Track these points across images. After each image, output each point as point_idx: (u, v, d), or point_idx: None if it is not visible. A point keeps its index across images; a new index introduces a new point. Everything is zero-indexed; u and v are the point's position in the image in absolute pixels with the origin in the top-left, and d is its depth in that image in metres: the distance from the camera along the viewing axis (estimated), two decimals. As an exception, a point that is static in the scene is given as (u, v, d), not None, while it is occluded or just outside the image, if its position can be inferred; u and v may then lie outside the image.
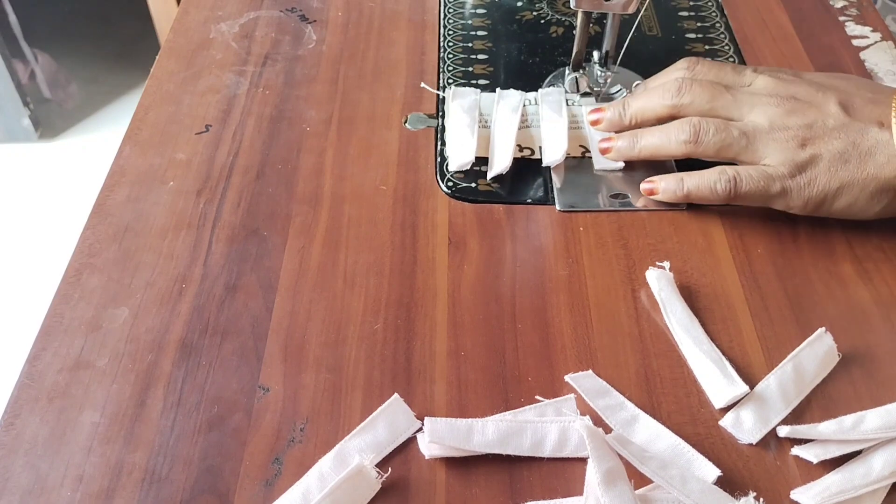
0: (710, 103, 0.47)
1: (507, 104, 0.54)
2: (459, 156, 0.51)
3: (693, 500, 0.34)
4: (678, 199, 0.47)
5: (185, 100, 0.56)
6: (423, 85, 0.57)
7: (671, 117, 0.48)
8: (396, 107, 0.56)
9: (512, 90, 0.55)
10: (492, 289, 0.44)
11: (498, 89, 0.55)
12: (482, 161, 0.51)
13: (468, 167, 0.50)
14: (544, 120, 0.53)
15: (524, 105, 0.54)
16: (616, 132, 0.51)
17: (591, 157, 0.52)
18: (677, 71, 0.50)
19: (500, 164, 0.50)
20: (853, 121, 0.45)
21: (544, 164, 0.50)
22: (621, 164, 0.51)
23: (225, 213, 0.48)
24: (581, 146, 0.52)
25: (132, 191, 0.50)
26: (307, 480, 0.36)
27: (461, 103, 0.54)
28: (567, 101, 0.54)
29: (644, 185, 0.49)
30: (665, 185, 0.48)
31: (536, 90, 0.56)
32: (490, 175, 0.50)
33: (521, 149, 0.52)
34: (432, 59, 0.60)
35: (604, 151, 0.51)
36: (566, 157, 0.51)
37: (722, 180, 0.45)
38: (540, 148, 0.52)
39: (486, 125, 0.53)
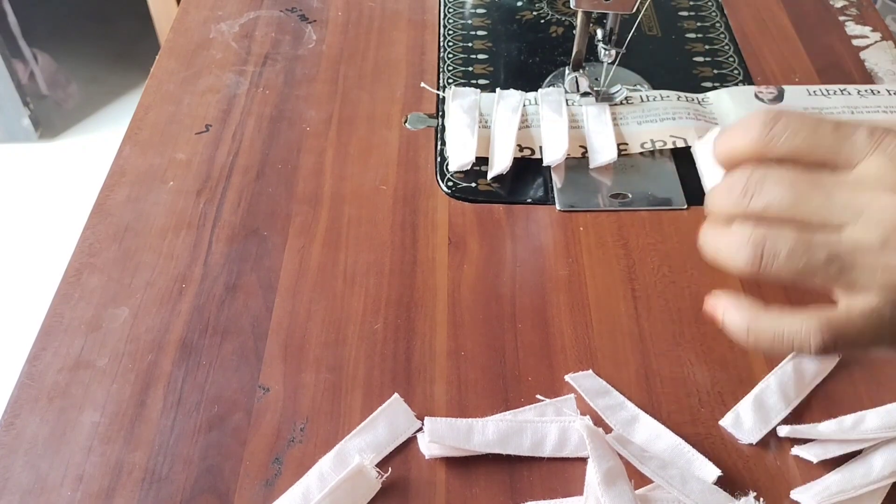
0: (791, 210, 0.30)
1: (507, 104, 0.54)
2: (460, 156, 0.51)
3: (693, 500, 0.34)
4: (739, 340, 0.32)
5: (185, 100, 0.56)
6: (423, 85, 0.57)
7: None
8: (396, 107, 0.56)
9: (512, 90, 0.55)
10: (492, 289, 0.44)
11: (498, 89, 0.55)
12: (482, 161, 0.51)
13: (468, 167, 0.50)
14: (544, 120, 0.53)
15: (524, 105, 0.54)
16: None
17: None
18: (748, 132, 0.31)
19: (500, 164, 0.50)
20: None
21: (545, 164, 0.50)
22: (615, 156, 0.50)
23: (225, 213, 0.48)
24: (581, 146, 0.52)
25: (132, 191, 0.50)
26: (307, 480, 0.36)
27: (461, 103, 0.54)
28: (567, 101, 0.54)
29: (708, 304, 0.34)
30: (728, 321, 0.32)
31: (536, 90, 0.56)
32: (490, 175, 0.50)
33: (521, 149, 0.52)
34: (432, 59, 0.60)
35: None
36: (566, 157, 0.51)
37: (812, 337, 0.30)
38: (540, 148, 0.52)
39: (486, 125, 0.53)
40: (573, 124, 0.53)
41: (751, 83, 0.58)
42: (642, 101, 0.54)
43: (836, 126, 0.30)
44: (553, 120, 0.53)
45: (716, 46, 0.62)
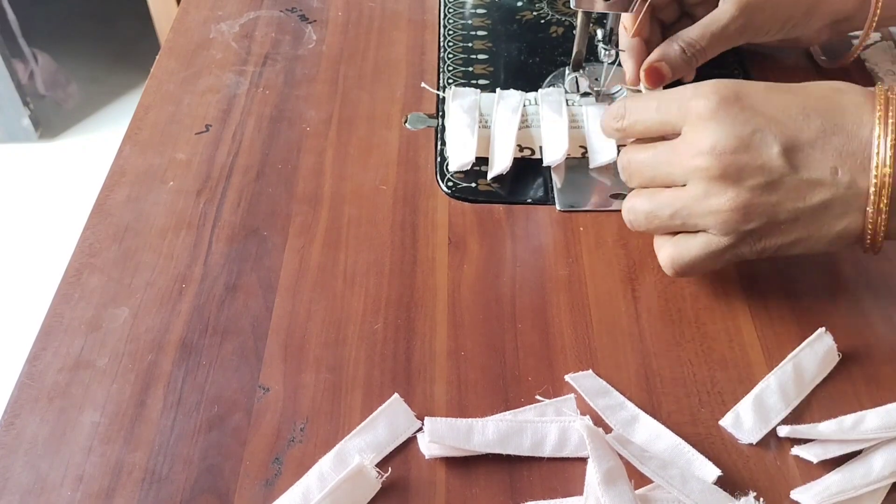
0: (652, 173, 0.41)
1: (506, 104, 0.54)
2: (460, 156, 0.51)
3: (693, 500, 0.34)
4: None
5: (185, 100, 0.56)
6: (423, 85, 0.57)
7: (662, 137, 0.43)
8: (396, 107, 0.56)
9: (512, 90, 0.55)
10: (492, 289, 0.44)
11: (498, 89, 0.55)
12: (482, 161, 0.51)
13: (468, 167, 0.50)
14: (544, 120, 0.53)
15: (524, 105, 0.54)
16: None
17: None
18: (608, 121, 0.44)
19: (500, 164, 0.50)
20: (800, 174, 0.38)
21: (545, 164, 0.50)
22: (615, 156, 0.50)
23: (225, 213, 0.48)
24: (581, 146, 0.52)
25: (132, 191, 0.50)
26: (307, 480, 0.36)
27: (461, 103, 0.54)
28: (567, 101, 0.54)
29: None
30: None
31: (537, 90, 0.56)
32: (490, 175, 0.50)
33: (521, 149, 0.52)
34: (432, 59, 0.60)
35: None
36: (566, 157, 0.51)
37: (665, 259, 0.42)
38: (540, 148, 0.52)
39: (486, 125, 0.53)
40: (573, 124, 0.53)
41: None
42: None
43: (658, 105, 0.41)
44: (553, 120, 0.53)
45: (716, 46, 0.61)
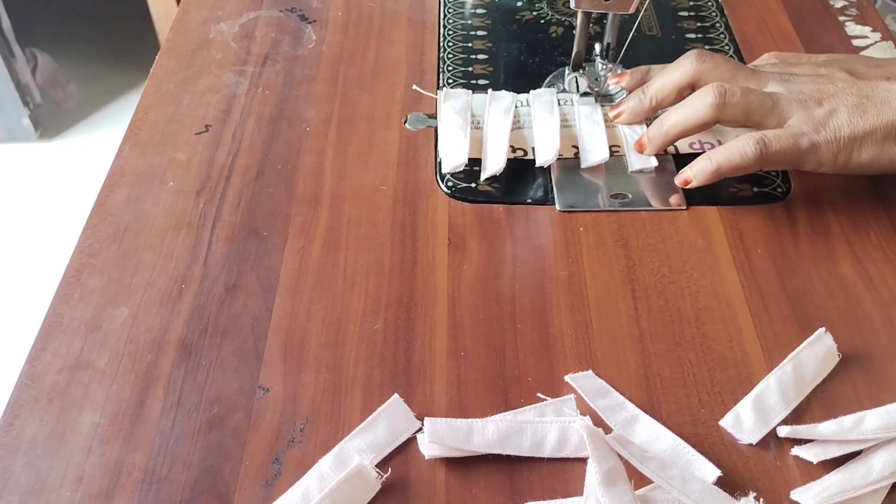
0: (731, 72, 0.48)
1: (498, 105, 0.54)
2: (452, 157, 0.51)
3: (693, 500, 0.34)
4: (712, 177, 0.46)
5: (184, 100, 0.56)
6: (414, 87, 0.57)
7: (692, 87, 0.49)
8: (396, 107, 0.56)
9: (503, 91, 0.55)
10: (492, 289, 0.44)
11: (490, 90, 0.55)
12: (480, 161, 0.51)
13: (461, 168, 0.50)
14: (536, 120, 0.53)
15: (516, 106, 0.54)
16: (639, 122, 0.52)
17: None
18: (687, 58, 0.50)
19: (493, 164, 0.50)
20: (861, 80, 0.47)
21: (537, 165, 0.50)
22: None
23: (225, 213, 0.48)
24: (573, 146, 0.52)
25: (132, 191, 0.50)
26: (307, 480, 0.36)
27: (453, 105, 0.54)
28: (559, 100, 0.54)
29: (678, 179, 0.48)
30: (696, 170, 0.47)
31: (536, 90, 0.56)
32: (484, 176, 0.50)
33: (514, 149, 0.52)
34: (432, 59, 0.60)
35: (640, 148, 0.51)
36: (560, 158, 0.51)
37: (750, 143, 0.45)
38: (533, 149, 0.52)
39: (478, 126, 0.53)
40: (565, 124, 0.53)
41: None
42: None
43: (752, 71, 0.49)
44: (545, 120, 0.53)
45: (716, 46, 0.62)
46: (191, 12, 0.64)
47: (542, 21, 0.64)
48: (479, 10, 0.65)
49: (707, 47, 0.61)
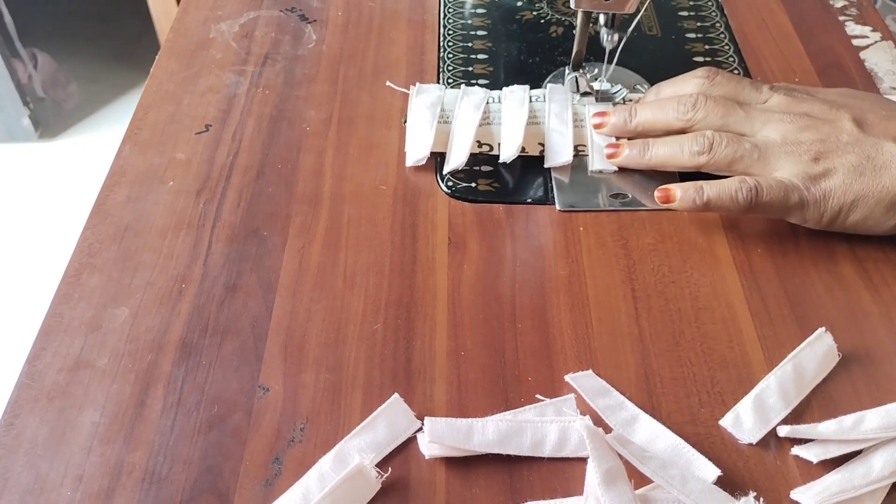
0: (722, 119, 0.47)
1: (469, 101, 0.54)
2: (416, 151, 0.51)
3: (693, 500, 0.34)
4: (697, 208, 0.45)
5: (184, 99, 0.56)
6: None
7: (682, 131, 0.48)
8: (396, 106, 0.56)
9: (476, 87, 0.55)
10: (492, 289, 0.44)
11: (463, 86, 0.55)
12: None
13: (423, 162, 0.50)
14: (504, 116, 0.53)
15: (487, 102, 0.54)
16: (618, 137, 0.51)
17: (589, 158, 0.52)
18: (694, 79, 0.50)
19: (456, 159, 0.50)
20: (867, 136, 0.45)
21: (500, 161, 0.51)
22: (570, 159, 0.51)
23: (225, 213, 0.48)
24: (540, 143, 0.52)
25: (132, 191, 0.50)
26: (307, 480, 0.36)
27: (424, 99, 0.54)
28: (531, 97, 0.54)
29: (658, 193, 0.47)
30: (683, 194, 0.46)
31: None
32: (446, 169, 0.50)
33: (479, 144, 0.52)
34: (432, 59, 0.60)
35: (610, 157, 0.50)
36: (531, 155, 0.51)
37: (743, 189, 0.44)
38: (499, 144, 0.52)
39: (447, 121, 0.53)
40: (534, 121, 0.53)
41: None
42: None
43: (752, 83, 0.49)
44: (513, 116, 0.53)
45: (716, 46, 0.62)
46: (191, 12, 0.64)
47: (542, 21, 0.64)
48: (479, 10, 0.65)
49: (707, 47, 0.61)
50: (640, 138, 0.50)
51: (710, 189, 0.45)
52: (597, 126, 0.52)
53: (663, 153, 0.48)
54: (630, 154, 0.49)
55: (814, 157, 0.44)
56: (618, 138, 0.51)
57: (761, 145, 0.45)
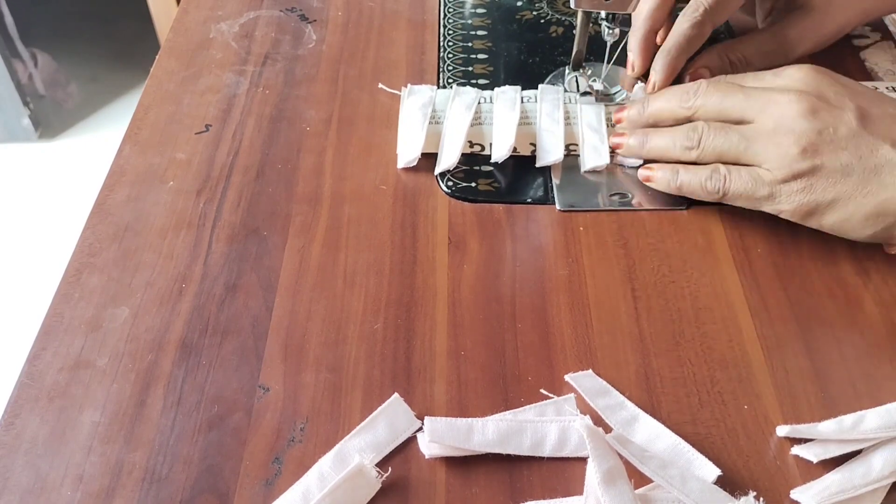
0: (720, 103, 0.46)
1: (461, 101, 0.54)
2: (407, 152, 0.51)
3: (693, 500, 0.34)
4: (671, 190, 0.48)
5: (185, 99, 0.56)
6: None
7: (688, 119, 0.48)
8: (396, 107, 0.56)
9: (468, 87, 0.55)
10: (492, 289, 0.44)
11: (455, 86, 0.55)
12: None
13: (415, 163, 0.50)
14: (496, 116, 0.53)
15: (479, 103, 0.54)
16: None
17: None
18: (692, 89, 0.49)
19: (447, 159, 0.50)
20: (866, 133, 0.42)
21: (492, 161, 0.51)
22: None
23: (225, 213, 0.48)
24: (531, 143, 0.52)
25: (132, 190, 0.50)
26: (307, 480, 0.36)
27: (415, 100, 0.54)
28: (522, 98, 0.54)
29: (642, 172, 0.49)
30: (661, 175, 0.48)
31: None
32: (437, 170, 0.50)
33: (471, 145, 0.52)
34: (432, 58, 0.60)
35: (615, 147, 0.51)
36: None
37: (713, 178, 0.45)
38: (490, 145, 0.52)
39: (438, 121, 0.53)
40: (525, 121, 0.53)
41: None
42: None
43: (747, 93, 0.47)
44: (505, 117, 0.53)
45: (716, 46, 0.61)
46: (191, 12, 0.64)
47: (542, 21, 0.64)
48: (479, 10, 0.65)
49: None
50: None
51: (683, 174, 0.47)
52: (617, 121, 0.52)
53: (659, 145, 0.49)
54: (631, 144, 0.50)
55: (802, 149, 0.43)
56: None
57: (750, 136, 0.44)
